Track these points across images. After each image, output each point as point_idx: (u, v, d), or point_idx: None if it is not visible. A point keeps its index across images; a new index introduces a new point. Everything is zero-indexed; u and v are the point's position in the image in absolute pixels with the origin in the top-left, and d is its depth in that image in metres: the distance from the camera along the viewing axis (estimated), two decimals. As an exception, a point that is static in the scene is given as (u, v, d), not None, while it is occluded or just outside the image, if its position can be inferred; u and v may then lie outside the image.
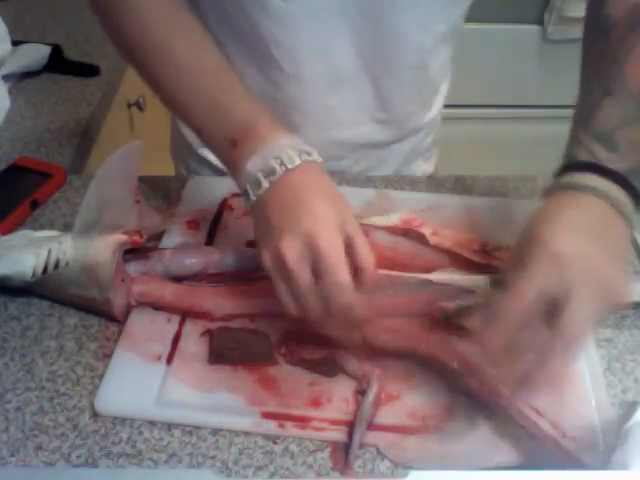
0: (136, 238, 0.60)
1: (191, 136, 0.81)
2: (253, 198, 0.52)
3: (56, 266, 0.59)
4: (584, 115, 0.56)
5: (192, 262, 0.62)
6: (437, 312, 0.59)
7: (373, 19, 0.67)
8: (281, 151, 0.52)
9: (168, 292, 0.60)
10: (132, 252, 0.62)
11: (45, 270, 0.59)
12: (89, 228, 0.59)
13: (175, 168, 0.92)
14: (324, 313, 0.49)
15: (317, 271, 0.48)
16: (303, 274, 0.48)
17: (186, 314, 0.60)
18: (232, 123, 0.55)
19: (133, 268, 0.61)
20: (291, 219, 0.49)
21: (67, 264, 0.58)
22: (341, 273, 0.48)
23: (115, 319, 0.60)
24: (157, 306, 0.60)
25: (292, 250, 0.48)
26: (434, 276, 0.61)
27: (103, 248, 0.58)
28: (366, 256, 0.50)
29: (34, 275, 0.59)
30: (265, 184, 0.51)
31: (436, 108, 0.83)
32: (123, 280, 0.59)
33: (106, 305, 0.59)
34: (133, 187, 0.60)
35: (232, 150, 0.54)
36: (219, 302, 0.60)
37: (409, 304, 0.60)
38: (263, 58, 0.69)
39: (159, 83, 0.59)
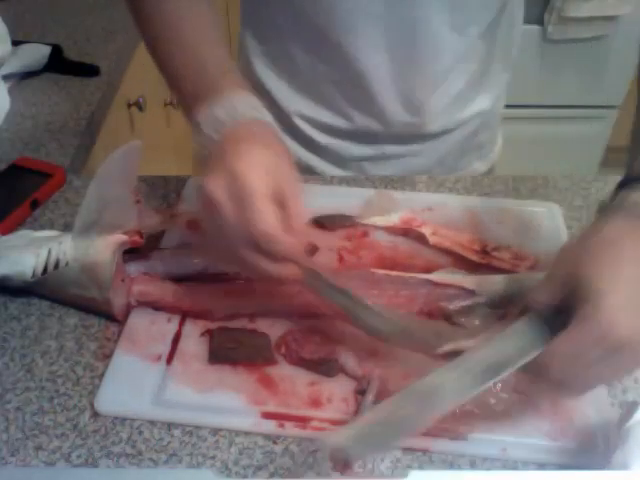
0: (136, 238, 0.60)
1: None
2: (205, 151, 0.54)
3: (56, 266, 0.59)
4: None
5: (192, 262, 0.63)
6: (437, 312, 0.59)
7: (406, 24, 0.67)
8: (233, 105, 0.54)
9: (168, 292, 0.60)
10: (132, 252, 0.62)
11: (45, 270, 0.59)
12: (89, 228, 0.59)
13: None
14: (248, 249, 0.49)
15: (241, 207, 0.49)
16: (227, 208, 0.49)
17: (186, 314, 0.60)
18: (200, 79, 0.58)
19: (133, 268, 0.61)
20: (224, 160, 0.51)
21: (67, 264, 0.58)
22: (263, 206, 0.48)
23: (115, 319, 0.60)
24: (157, 306, 0.60)
25: (217, 186, 0.49)
26: (434, 276, 0.61)
27: (103, 248, 0.58)
28: (294, 206, 0.50)
29: (34, 275, 0.59)
30: (215, 135, 0.53)
31: (482, 104, 0.82)
32: (123, 280, 0.59)
33: (106, 305, 0.59)
34: (133, 187, 0.60)
35: (197, 103, 0.56)
36: (219, 302, 0.60)
37: (409, 303, 0.60)
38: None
39: (154, 39, 0.64)
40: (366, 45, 0.70)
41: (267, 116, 0.56)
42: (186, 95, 0.59)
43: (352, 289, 0.56)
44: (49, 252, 0.59)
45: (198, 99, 0.56)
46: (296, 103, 0.79)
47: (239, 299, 0.60)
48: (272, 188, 0.50)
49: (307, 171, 0.83)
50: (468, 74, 0.76)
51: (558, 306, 0.46)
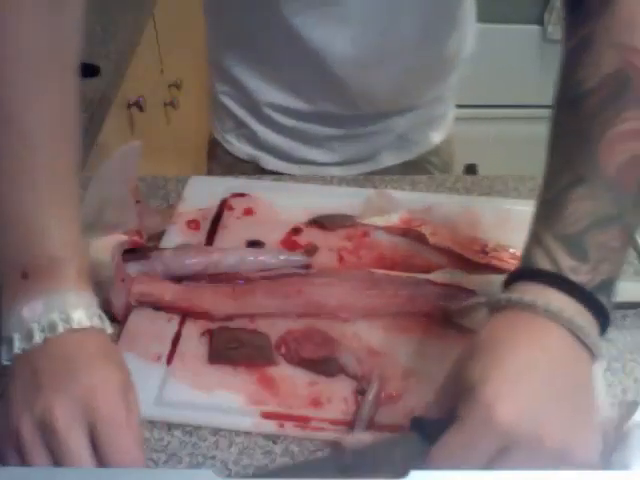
0: (136, 238, 0.60)
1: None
2: (17, 350, 0.43)
3: None
4: (548, 208, 0.46)
5: (192, 262, 0.63)
6: (437, 311, 0.59)
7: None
8: (71, 307, 0.44)
9: (168, 292, 0.60)
10: (132, 252, 0.62)
11: None
12: (89, 228, 0.59)
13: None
14: None
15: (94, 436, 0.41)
16: (74, 436, 0.41)
17: (186, 314, 0.60)
18: (34, 248, 0.45)
19: (133, 268, 0.61)
20: (66, 379, 0.42)
21: None
22: (125, 441, 0.42)
23: (115, 319, 0.60)
24: (157, 306, 0.60)
25: (63, 410, 0.40)
26: (434, 276, 0.61)
27: (103, 248, 0.58)
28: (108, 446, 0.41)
29: None
30: (38, 338, 0.43)
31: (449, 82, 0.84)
32: (123, 280, 0.59)
33: (106, 305, 0.59)
34: (133, 187, 0.60)
35: (19, 280, 0.44)
36: (219, 302, 0.60)
37: (409, 303, 0.60)
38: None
39: None
40: (332, 34, 0.72)
41: (107, 323, 0.47)
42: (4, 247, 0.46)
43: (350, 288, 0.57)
44: None
45: (24, 273, 0.44)
46: (264, 91, 0.81)
47: (239, 299, 0.60)
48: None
49: (275, 152, 0.86)
50: (421, 59, 0.77)
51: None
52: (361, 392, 0.54)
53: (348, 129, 0.83)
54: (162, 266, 0.62)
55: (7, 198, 0.45)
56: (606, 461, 0.47)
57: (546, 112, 0.97)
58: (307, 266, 0.64)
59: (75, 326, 0.44)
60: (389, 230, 0.69)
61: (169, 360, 0.57)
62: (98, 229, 0.58)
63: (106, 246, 0.58)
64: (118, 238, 0.59)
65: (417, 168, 0.89)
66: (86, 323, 0.44)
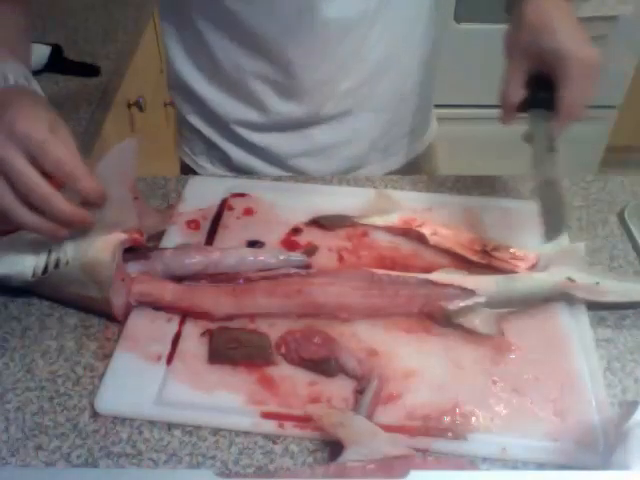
0: (136, 236, 0.60)
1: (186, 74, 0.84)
2: None
3: (56, 265, 0.59)
4: None
5: (192, 262, 0.63)
6: (437, 311, 0.59)
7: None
8: (3, 72, 0.57)
9: (168, 292, 0.60)
10: (132, 251, 0.62)
11: (46, 270, 0.59)
12: (88, 227, 0.59)
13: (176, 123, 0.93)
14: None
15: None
16: (15, 156, 0.52)
17: (186, 314, 0.60)
18: None
19: (133, 268, 0.61)
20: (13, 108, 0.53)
21: (67, 263, 0.58)
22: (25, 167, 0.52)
23: (115, 319, 0.60)
24: (157, 306, 0.61)
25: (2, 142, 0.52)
26: (434, 276, 0.61)
27: (103, 247, 0.58)
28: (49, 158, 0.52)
29: (34, 275, 0.59)
30: None
31: (411, 85, 0.83)
32: (123, 280, 0.59)
33: (106, 305, 0.59)
34: (131, 184, 0.60)
35: None
36: (219, 302, 0.60)
37: (409, 303, 0.60)
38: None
39: None
40: (284, 33, 0.71)
41: (35, 84, 0.61)
42: None
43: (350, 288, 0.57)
44: (49, 252, 0.59)
45: None
46: (226, 105, 0.80)
47: (239, 299, 0.60)
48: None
49: (250, 172, 0.85)
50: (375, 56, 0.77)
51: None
52: (361, 392, 0.54)
53: (317, 140, 0.81)
54: (162, 266, 0.62)
55: None
56: (606, 461, 0.47)
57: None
58: (307, 266, 0.64)
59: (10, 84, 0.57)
60: (389, 230, 0.69)
61: (169, 360, 0.57)
62: (97, 227, 0.58)
63: (106, 246, 0.58)
64: (118, 237, 0.59)
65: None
66: (11, 80, 0.57)
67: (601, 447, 0.51)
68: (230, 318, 0.60)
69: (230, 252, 0.64)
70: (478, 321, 0.58)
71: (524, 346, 0.58)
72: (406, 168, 0.89)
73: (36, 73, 1.00)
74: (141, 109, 1.24)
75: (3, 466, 0.50)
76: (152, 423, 0.53)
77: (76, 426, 0.53)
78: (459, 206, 0.72)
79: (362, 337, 0.59)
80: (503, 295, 0.60)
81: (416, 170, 0.90)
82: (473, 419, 0.53)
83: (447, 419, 0.52)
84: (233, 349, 0.57)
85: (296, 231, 0.69)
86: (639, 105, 1.93)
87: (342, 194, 0.74)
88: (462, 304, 0.58)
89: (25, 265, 0.59)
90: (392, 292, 0.60)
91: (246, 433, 0.52)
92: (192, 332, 0.59)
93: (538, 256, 0.65)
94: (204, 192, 0.74)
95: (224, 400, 0.54)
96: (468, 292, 0.59)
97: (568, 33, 0.62)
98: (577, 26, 0.63)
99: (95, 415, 0.54)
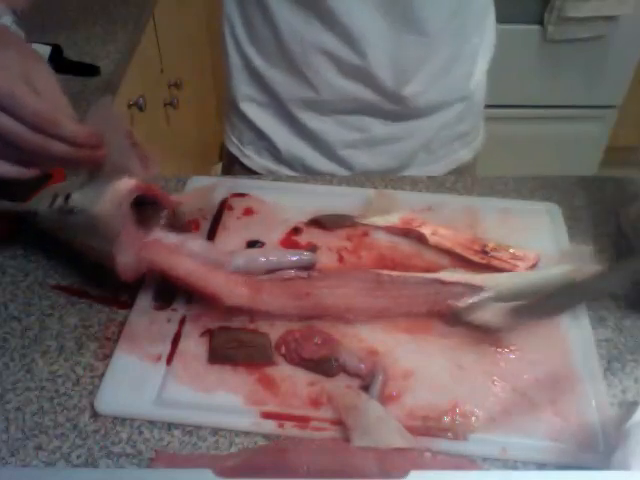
0: (145, 184, 0.58)
1: (233, 91, 0.85)
2: None
3: (71, 211, 0.58)
4: None
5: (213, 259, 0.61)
6: (447, 310, 0.59)
7: None
8: None
9: (181, 267, 0.58)
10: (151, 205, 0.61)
11: (63, 213, 0.58)
12: (95, 176, 0.57)
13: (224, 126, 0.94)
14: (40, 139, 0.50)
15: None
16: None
17: (194, 293, 0.60)
18: None
19: (170, 238, 0.60)
20: None
21: (76, 210, 0.57)
22: (24, 94, 0.49)
23: (121, 277, 0.58)
24: (166, 276, 0.58)
25: None
26: (441, 275, 0.61)
27: (112, 196, 0.56)
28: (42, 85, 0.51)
29: (52, 208, 0.59)
30: None
31: (474, 81, 0.83)
32: (134, 239, 0.57)
33: (111, 259, 0.57)
34: (125, 131, 0.58)
35: None
36: (232, 290, 0.59)
37: (420, 303, 0.59)
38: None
39: None
40: (358, 5, 0.71)
41: (6, 19, 0.60)
42: None
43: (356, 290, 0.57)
44: (67, 196, 0.58)
45: None
46: (285, 82, 0.80)
47: (255, 292, 0.59)
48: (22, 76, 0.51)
49: (296, 165, 0.85)
50: (450, 47, 0.77)
51: None
52: (366, 388, 0.54)
53: (372, 132, 0.82)
54: (190, 247, 0.61)
55: None
56: (606, 461, 0.47)
57: (546, 112, 0.96)
58: (311, 266, 0.64)
59: None
60: (389, 230, 0.69)
61: (169, 360, 0.57)
62: (104, 176, 0.57)
63: (115, 194, 0.56)
64: (126, 184, 0.56)
65: None
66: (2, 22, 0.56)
67: (601, 447, 0.51)
68: (239, 310, 0.59)
69: (240, 253, 0.63)
70: (489, 316, 0.58)
71: (524, 346, 0.58)
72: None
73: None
74: (141, 109, 1.24)
75: (3, 466, 0.50)
76: (152, 423, 0.53)
77: (76, 426, 0.53)
78: (459, 206, 0.72)
79: (362, 337, 0.59)
80: (511, 289, 0.60)
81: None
82: (473, 419, 0.53)
83: (447, 419, 0.52)
84: (233, 349, 0.57)
85: (296, 231, 0.69)
86: (639, 105, 1.93)
87: (342, 194, 0.74)
88: (471, 300, 0.58)
89: (43, 201, 0.60)
90: (396, 293, 0.60)
91: (246, 433, 0.52)
92: (192, 332, 0.59)
93: (538, 256, 0.65)
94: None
95: (224, 400, 0.54)
96: (476, 288, 0.59)
97: None
98: None
99: (95, 415, 0.54)
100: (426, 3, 0.71)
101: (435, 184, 0.77)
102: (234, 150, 0.90)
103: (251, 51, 0.80)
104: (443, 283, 0.60)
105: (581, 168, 1.94)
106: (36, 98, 0.50)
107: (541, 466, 0.50)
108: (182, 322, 0.60)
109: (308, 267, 0.63)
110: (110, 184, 0.56)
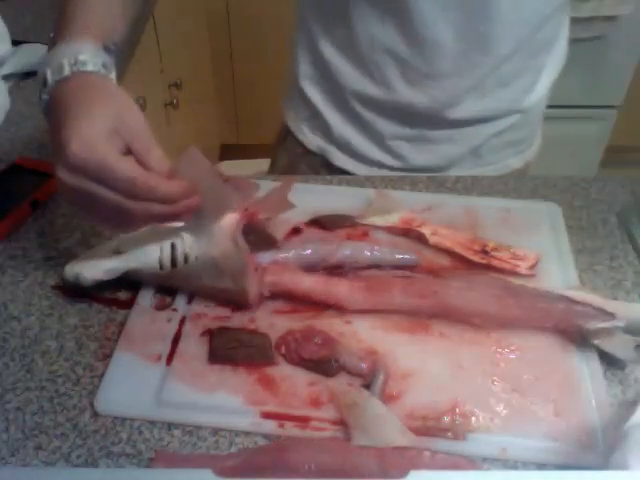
0: (246, 213, 0.59)
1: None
2: (45, 96, 0.56)
3: (186, 260, 0.59)
4: None
5: (307, 253, 0.63)
6: (574, 329, 0.58)
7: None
8: (75, 54, 0.55)
9: (303, 283, 0.60)
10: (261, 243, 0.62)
11: (175, 264, 0.59)
12: (199, 219, 0.58)
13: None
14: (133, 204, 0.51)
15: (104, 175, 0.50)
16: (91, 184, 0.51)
17: (317, 304, 0.60)
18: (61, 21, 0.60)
19: (264, 258, 0.62)
20: (68, 121, 0.52)
21: (196, 258, 0.58)
22: (119, 162, 0.50)
23: (248, 308, 0.60)
24: (290, 296, 0.61)
25: (69, 170, 0.51)
26: (572, 293, 0.59)
27: (223, 236, 0.57)
28: (143, 149, 0.53)
29: (162, 268, 0.59)
30: (51, 81, 0.55)
31: (535, 96, 0.83)
32: (256, 269, 0.60)
33: (240, 295, 0.59)
34: (215, 172, 0.59)
35: (50, 45, 0.58)
36: (353, 296, 0.60)
37: (546, 317, 0.59)
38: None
39: None
40: (435, 12, 0.71)
41: (110, 68, 0.60)
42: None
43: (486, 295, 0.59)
44: (173, 246, 0.59)
45: (53, 38, 0.59)
46: (349, 75, 0.80)
47: (373, 294, 0.60)
48: (119, 144, 0.52)
49: (345, 147, 0.86)
50: (514, 64, 0.77)
51: None
52: (366, 387, 0.54)
53: (422, 129, 0.82)
54: (294, 255, 0.63)
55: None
56: (606, 461, 0.47)
57: (546, 112, 0.96)
58: (412, 267, 0.64)
59: (81, 68, 0.55)
60: (389, 230, 0.69)
61: (169, 360, 0.57)
62: (207, 222, 0.58)
63: (225, 233, 0.57)
64: (231, 219, 0.58)
65: None
66: (90, 67, 0.56)
67: (601, 447, 0.51)
68: (361, 313, 0.60)
69: (347, 244, 0.65)
70: (618, 346, 0.57)
71: (524, 346, 0.58)
72: None
73: (36, 73, 1.00)
74: (141, 109, 1.24)
75: (3, 466, 0.50)
76: (152, 423, 0.53)
77: (76, 426, 0.53)
78: (459, 206, 0.72)
79: (362, 337, 0.59)
80: None
81: None
82: (473, 419, 0.53)
83: (447, 419, 0.53)
84: (233, 349, 0.57)
85: (296, 231, 0.69)
86: (639, 105, 1.93)
87: (342, 194, 0.74)
88: (600, 325, 0.57)
89: (150, 258, 0.59)
90: (529, 304, 0.59)
91: (246, 433, 0.52)
92: (192, 332, 0.59)
93: (538, 256, 0.65)
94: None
95: (224, 400, 0.54)
96: (607, 314, 0.57)
97: None
98: None
99: (95, 415, 0.54)
100: (499, 24, 0.71)
101: (435, 184, 0.77)
102: (291, 124, 0.91)
103: (322, 38, 0.80)
104: (572, 301, 0.58)
105: (581, 168, 1.94)
106: (127, 164, 0.51)
107: (541, 466, 0.50)
108: (182, 322, 0.60)
109: (409, 267, 0.64)
110: (215, 224, 0.58)
